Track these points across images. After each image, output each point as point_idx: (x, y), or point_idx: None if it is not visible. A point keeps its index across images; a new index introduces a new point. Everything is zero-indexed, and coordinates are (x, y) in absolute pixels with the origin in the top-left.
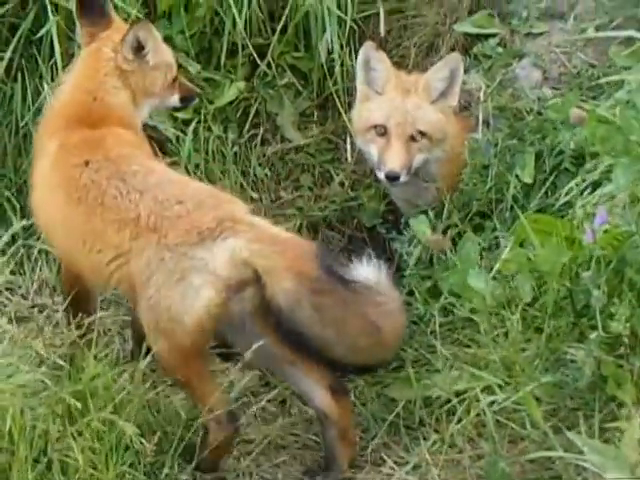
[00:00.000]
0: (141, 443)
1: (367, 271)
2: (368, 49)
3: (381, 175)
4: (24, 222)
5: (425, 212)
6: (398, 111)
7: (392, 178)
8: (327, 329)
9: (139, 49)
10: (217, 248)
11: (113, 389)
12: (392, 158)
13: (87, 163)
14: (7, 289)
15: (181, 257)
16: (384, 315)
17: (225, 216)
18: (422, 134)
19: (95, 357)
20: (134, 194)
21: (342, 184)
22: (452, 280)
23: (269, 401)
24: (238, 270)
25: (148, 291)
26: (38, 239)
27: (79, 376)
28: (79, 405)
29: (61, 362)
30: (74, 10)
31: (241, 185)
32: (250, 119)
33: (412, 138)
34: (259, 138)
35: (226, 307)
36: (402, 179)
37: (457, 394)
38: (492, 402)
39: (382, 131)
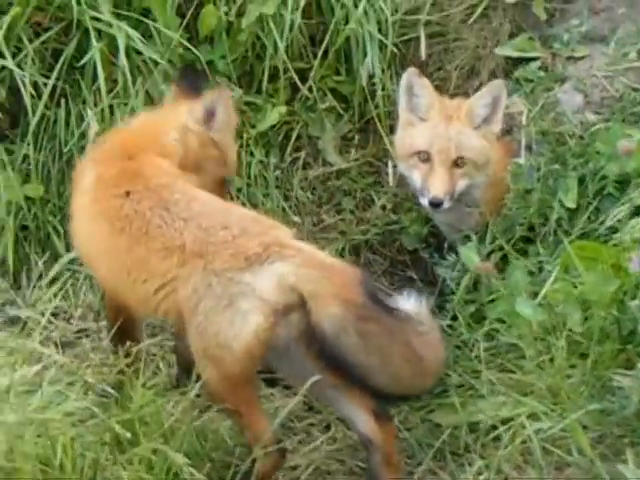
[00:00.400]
0: (191, 473)
1: (408, 301)
2: (411, 75)
3: (424, 201)
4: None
5: (468, 237)
6: (441, 137)
7: (436, 204)
8: (372, 357)
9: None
10: (264, 273)
11: (161, 417)
12: (435, 184)
13: (128, 194)
14: (52, 314)
15: (228, 282)
16: (426, 345)
17: (272, 241)
18: (465, 160)
19: (143, 385)
20: (178, 222)
21: (384, 207)
22: (500, 307)
23: (313, 425)
24: (285, 295)
25: (196, 318)
26: (82, 264)
27: (128, 404)
28: (128, 435)
29: (110, 390)
30: (174, 75)
31: (283, 209)
32: (292, 143)
33: (455, 164)
34: (301, 162)
35: (274, 332)
36: (445, 205)
37: (502, 420)
38: (538, 429)
39: (425, 157)
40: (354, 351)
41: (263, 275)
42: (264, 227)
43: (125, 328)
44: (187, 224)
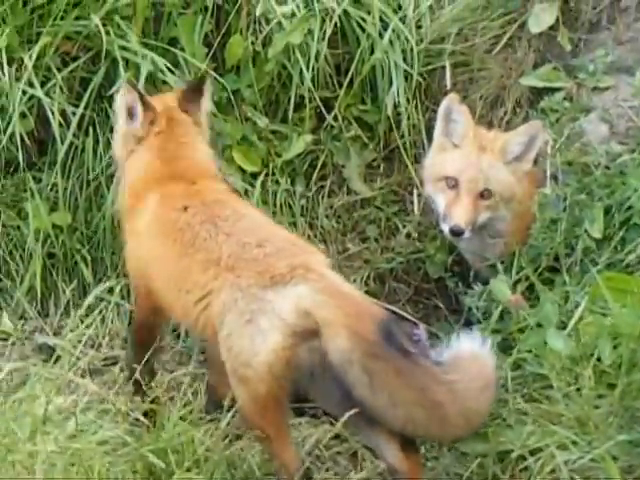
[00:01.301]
0: None
1: (469, 341)
2: (451, 101)
3: (445, 228)
4: (106, 284)
5: (494, 266)
6: (472, 166)
7: (456, 233)
8: (378, 395)
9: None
10: (286, 293)
11: (193, 446)
12: (459, 213)
13: (186, 208)
14: (78, 341)
15: (251, 298)
16: (450, 392)
17: (299, 264)
18: (491, 192)
19: (181, 418)
20: (222, 236)
21: (408, 236)
22: (530, 339)
23: (340, 454)
24: (302, 318)
25: (223, 334)
26: (109, 292)
27: (160, 433)
28: (162, 464)
29: (142, 419)
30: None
31: (308, 237)
32: (317, 171)
33: (481, 195)
34: (326, 190)
35: (294, 353)
36: (466, 235)
37: (531, 450)
38: (567, 459)
39: (453, 183)
40: (358, 386)
41: (284, 295)
42: (299, 250)
43: (149, 341)
44: (228, 239)
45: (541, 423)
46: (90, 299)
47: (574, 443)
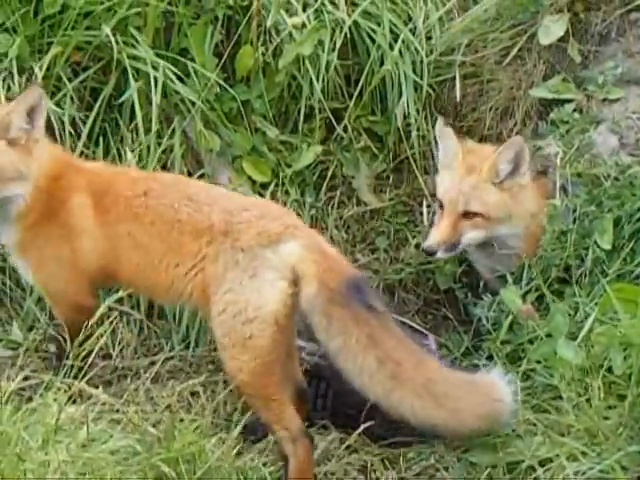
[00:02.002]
0: None
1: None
2: (439, 124)
3: (422, 246)
4: (117, 294)
5: (504, 277)
6: (453, 189)
7: (428, 253)
8: (334, 338)
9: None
10: (281, 249)
11: (205, 456)
12: (434, 234)
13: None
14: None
15: (253, 256)
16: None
17: (291, 223)
18: (475, 213)
19: (197, 428)
20: (205, 207)
21: (417, 246)
22: (541, 349)
23: (350, 464)
24: (291, 272)
25: (223, 296)
26: (119, 301)
27: (171, 443)
28: (174, 474)
29: (151, 430)
30: None
31: None
32: (327, 182)
33: (463, 216)
34: (336, 201)
35: (293, 302)
36: (439, 255)
37: (540, 461)
38: (577, 470)
39: (440, 204)
40: (318, 329)
41: (281, 251)
42: (280, 211)
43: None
44: (212, 208)
45: (551, 434)
46: (102, 309)
47: (584, 454)
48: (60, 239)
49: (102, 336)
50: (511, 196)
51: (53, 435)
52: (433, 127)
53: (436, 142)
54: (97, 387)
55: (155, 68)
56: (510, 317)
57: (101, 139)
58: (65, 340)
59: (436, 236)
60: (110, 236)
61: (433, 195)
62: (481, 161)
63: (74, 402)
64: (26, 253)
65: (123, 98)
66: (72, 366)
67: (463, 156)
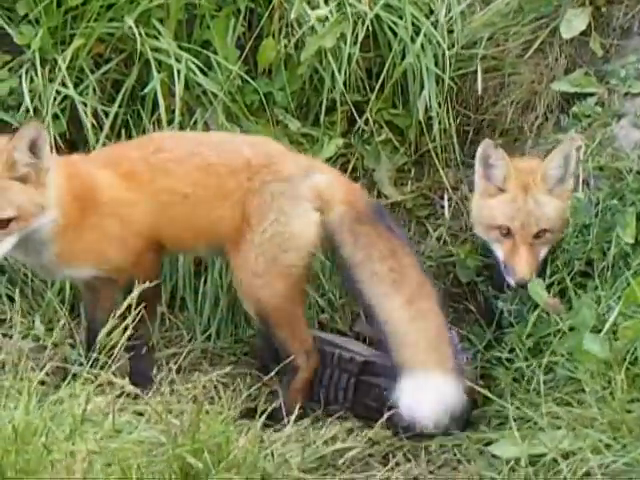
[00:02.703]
0: None
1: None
2: (487, 147)
3: (511, 282)
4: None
5: None
6: (521, 212)
7: (523, 286)
8: (358, 252)
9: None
10: (314, 179)
11: (230, 447)
12: (521, 266)
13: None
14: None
15: (296, 187)
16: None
17: (311, 159)
18: (545, 230)
19: (223, 419)
20: (231, 145)
21: (439, 239)
22: (568, 343)
23: (372, 456)
24: (319, 199)
25: (269, 226)
26: None
27: (196, 434)
28: (200, 465)
29: (174, 421)
30: None
31: None
32: (348, 175)
33: (537, 236)
34: None
35: (323, 229)
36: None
37: (564, 454)
38: (601, 463)
39: (506, 232)
40: (344, 245)
41: (314, 181)
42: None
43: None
44: (237, 148)
45: (574, 426)
46: (129, 300)
47: (607, 447)
48: (104, 222)
49: (128, 328)
50: (562, 201)
51: (80, 425)
52: (455, 120)
53: (457, 133)
54: (123, 378)
55: (178, 60)
56: (535, 311)
57: (123, 131)
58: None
59: (524, 268)
60: (147, 198)
61: (454, 188)
62: (531, 175)
63: (99, 393)
64: (77, 256)
65: (147, 90)
66: (98, 358)
67: (515, 176)
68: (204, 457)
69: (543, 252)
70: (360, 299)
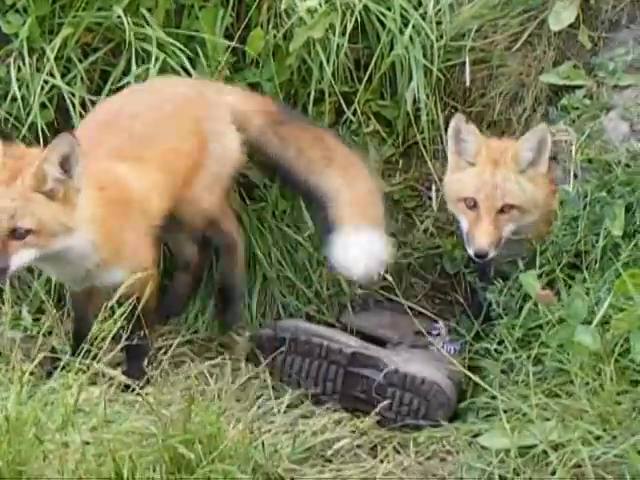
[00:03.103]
0: None
1: None
2: (458, 121)
3: (470, 252)
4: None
5: (514, 262)
6: (487, 184)
7: (481, 256)
8: (288, 149)
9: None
10: (227, 100)
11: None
12: (481, 235)
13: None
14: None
15: (226, 110)
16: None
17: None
18: (511, 206)
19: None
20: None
21: (425, 231)
22: (560, 335)
23: (359, 447)
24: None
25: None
26: None
27: (187, 424)
28: (192, 455)
29: (167, 412)
30: None
31: None
32: None
33: (501, 210)
34: None
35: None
36: (490, 255)
37: (553, 445)
38: (592, 454)
39: (472, 204)
40: (271, 146)
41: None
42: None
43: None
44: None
45: (565, 417)
46: (122, 290)
47: (597, 438)
48: (130, 217)
49: (120, 318)
50: (535, 184)
51: (72, 416)
52: (443, 112)
53: (445, 124)
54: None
55: (162, 50)
56: (528, 302)
57: None
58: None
59: (484, 237)
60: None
61: (442, 180)
62: (503, 153)
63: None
64: (114, 258)
65: (126, 80)
66: (89, 349)
67: (486, 150)
68: (195, 447)
69: (508, 229)
70: (302, 189)
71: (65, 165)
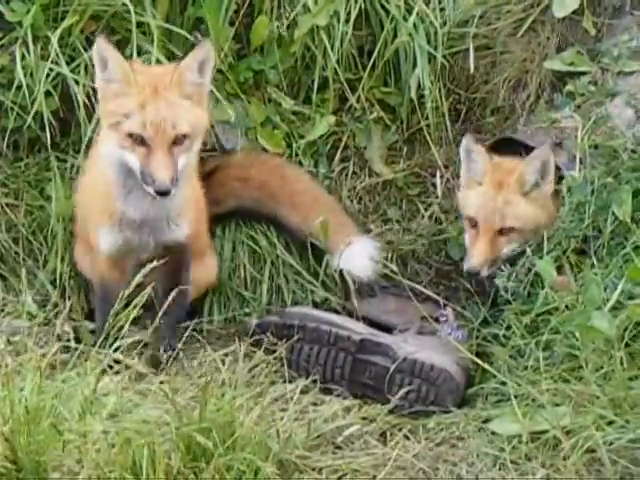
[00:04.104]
0: None
1: None
2: (469, 142)
3: (464, 268)
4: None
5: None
6: (487, 206)
7: (472, 274)
8: None
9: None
10: None
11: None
12: (475, 255)
13: None
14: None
15: None
16: None
17: None
18: (510, 229)
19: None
20: None
21: (430, 217)
22: (577, 321)
23: (369, 434)
24: None
25: None
26: None
27: (203, 413)
28: (210, 444)
29: (182, 401)
30: None
31: None
32: (339, 153)
33: (500, 233)
34: (349, 172)
35: None
36: (483, 274)
37: (566, 430)
38: (605, 439)
39: (474, 223)
40: None
41: None
42: None
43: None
44: None
45: (578, 401)
46: (138, 278)
47: (609, 423)
48: None
49: (136, 307)
50: (538, 206)
51: (90, 405)
52: (446, 99)
53: (449, 111)
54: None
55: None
56: (536, 288)
57: None
58: None
59: (478, 257)
60: None
61: (446, 166)
62: (508, 175)
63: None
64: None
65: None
66: (106, 337)
67: (492, 172)
68: (212, 436)
69: (506, 250)
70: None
71: (201, 69)
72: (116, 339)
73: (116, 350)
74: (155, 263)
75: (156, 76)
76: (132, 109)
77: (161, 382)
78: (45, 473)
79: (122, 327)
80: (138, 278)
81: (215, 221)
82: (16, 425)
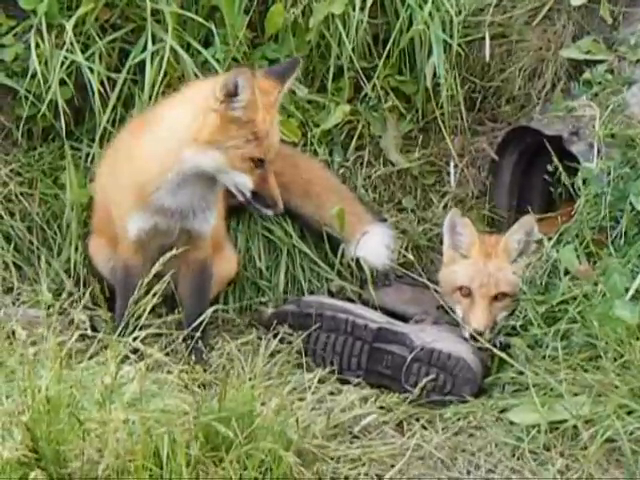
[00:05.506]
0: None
1: None
2: (454, 215)
3: (466, 334)
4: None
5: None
6: (481, 273)
7: (478, 335)
8: None
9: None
10: None
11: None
12: (476, 316)
13: None
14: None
15: None
16: None
17: None
18: (504, 294)
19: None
20: None
21: (445, 207)
22: (599, 310)
23: (386, 423)
24: None
25: None
26: None
27: (223, 403)
28: (230, 434)
29: (197, 390)
30: None
31: None
32: (354, 142)
33: (495, 298)
34: (364, 161)
35: None
36: (486, 336)
37: (585, 419)
38: (626, 429)
39: (467, 292)
40: None
41: None
42: None
43: None
44: None
45: (595, 392)
46: (157, 267)
47: (629, 413)
48: None
49: (155, 295)
50: (519, 275)
51: (110, 395)
52: (462, 87)
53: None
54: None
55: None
56: (552, 277)
57: (129, 100)
58: None
59: (479, 318)
60: None
61: (461, 156)
62: (493, 247)
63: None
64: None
65: (137, 59)
66: (126, 325)
67: (479, 243)
68: (232, 425)
69: (500, 316)
70: None
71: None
72: (135, 328)
73: (135, 339)
74: (174, 251)
75: None
76: None
77: (180, 371)
78: (65, 462)
79: (141, 316)
80: (157, 266)
81: (230, 213)
82: (36, 414)
